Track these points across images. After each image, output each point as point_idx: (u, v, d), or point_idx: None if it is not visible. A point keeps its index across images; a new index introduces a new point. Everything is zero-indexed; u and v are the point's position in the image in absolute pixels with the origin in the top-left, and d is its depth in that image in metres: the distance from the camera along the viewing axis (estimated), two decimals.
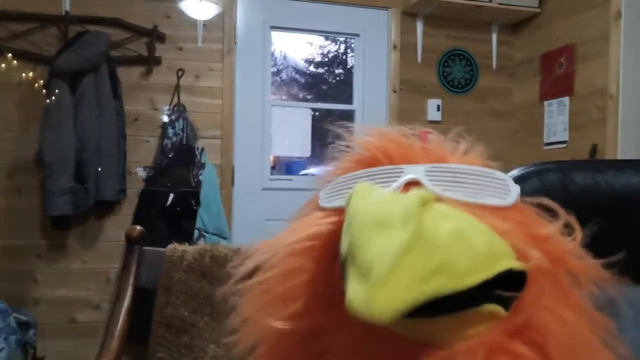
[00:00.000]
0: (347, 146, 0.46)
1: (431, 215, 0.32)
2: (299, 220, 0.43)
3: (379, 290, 0.28)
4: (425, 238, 0.30)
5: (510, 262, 0.34)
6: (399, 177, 0.39)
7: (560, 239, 0.39)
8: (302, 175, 3.21)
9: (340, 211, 0.38)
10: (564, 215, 0.41)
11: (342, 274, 0.32)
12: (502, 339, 0.34)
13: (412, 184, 0.39)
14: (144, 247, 1.14)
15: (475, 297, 0.33)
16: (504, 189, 0.40)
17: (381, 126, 0.46)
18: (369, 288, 0.28)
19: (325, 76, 3.48)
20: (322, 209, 0.41)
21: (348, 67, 3.33)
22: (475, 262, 0.32)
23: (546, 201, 0.42)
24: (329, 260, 0.38)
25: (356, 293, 0.29)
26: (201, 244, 1.25)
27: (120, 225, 2.59)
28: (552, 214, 0.42)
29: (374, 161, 0.43)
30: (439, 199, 0.37)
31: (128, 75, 2.63)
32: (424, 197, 0.32)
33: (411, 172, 0.39)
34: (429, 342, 0.35)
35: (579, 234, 0.41)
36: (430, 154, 0.43)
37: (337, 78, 3.46)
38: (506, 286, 0.34)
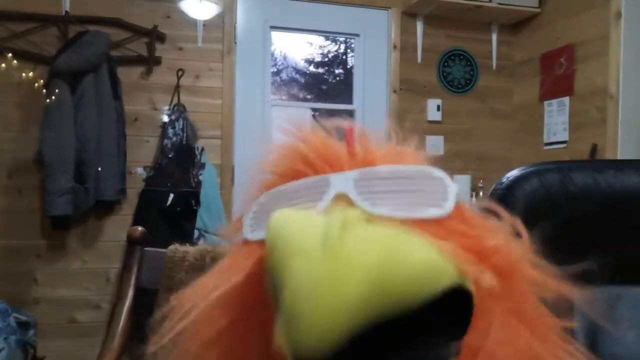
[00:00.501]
0: (266, 158, 0.42)
1: (355, 239, 0.29)
2: (224, 261, 0.38)
3: (302, 332, 0.26)
4: (348, 261, 0.27)
5: (455, 279, 0.30)
6: (325, 190, 0.35)
7: (509, 248, 0.35)
8: None
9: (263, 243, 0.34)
10: (509, 219, 0.37)
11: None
12: None
13: (341, 198, 0.35)
14: (145, 248, 1.14)
15: (422, 344, 0.30)
16: (442, 191, 0.36)
17: (296, 128, 0.41)
18: (293, 330, 0.26)
19: (325, 76, 3.48)
20: (246, 242, 0.37)
21: (348, 67, 3.33)
22: (414, 280, 0.28)
23: (488, 204, 0.39)
24: (259, 307, 0.34)
25: (282, 337, 0.27)
26: (202, 244, 1.25)
27: (120, 225, 2.60)
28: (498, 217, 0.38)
29: (296, 172, 0.38)
30: (369, 219, 0.33)
31: (128, 75, 2.63)
32: (346, 220, 0.29)
33: (338, 184, 0.35)
34: None
35: (525, 239, 0.37)
36: (358, 157, 0.38)
37: (337, 78, 3.46)
38: (452, 316, 0.31)
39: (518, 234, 0.37)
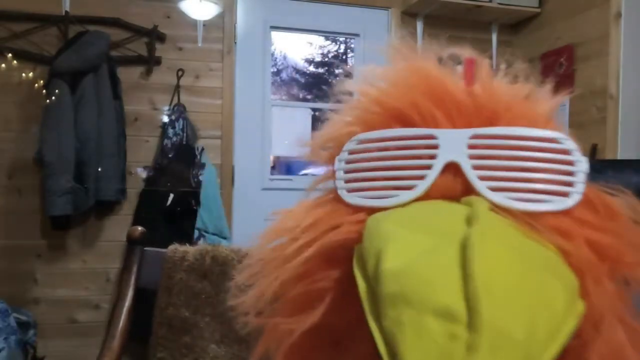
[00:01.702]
0: (359, 97, 0.35)
1: (500, 257, 0.24)
2: (314, 208, 0.34)
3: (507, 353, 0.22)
4: (500, 342, 0.22)
5: (575, 318, 0.26)
6: (433, 152, 0.31)
7: (632, 243, 0.30)
8: (302, 175, 3.21)
9: (367, 210, 0.31)
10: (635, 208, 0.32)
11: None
12: None
13: (451, 168, 0.30)
14: (145, 248, 1.14)
15: None
16: (570, 169, 0.30)
17: (414, 58, 0.35)
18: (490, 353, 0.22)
19: (325, 76, 3.49)
20: (345, 204, 0.32)
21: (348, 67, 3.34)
22: (550, 337, 0.24)
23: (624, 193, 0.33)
24: (343, 272, 0.31)
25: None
26: (202, 244, 1.25)
27: (120, 225, 2.59)
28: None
29: (397, 114, 0.33)
30: (490, 205, 0.29)
31: (128, 75, 2.63)
32: (478, 233, 0.24)
33: (449, 148, 0.30)
34: None
35: None
36: (477, 103, 0.32)
37: (337, 78, 3.47)
38: None
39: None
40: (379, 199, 0.31)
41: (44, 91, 2.39)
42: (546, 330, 0.23)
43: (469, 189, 0.30)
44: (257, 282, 0.34)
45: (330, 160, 0.35)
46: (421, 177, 0.31)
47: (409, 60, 0.35)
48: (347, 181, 0.33)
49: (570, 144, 0.31)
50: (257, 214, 2.87)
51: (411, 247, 0.25)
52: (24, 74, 2.46)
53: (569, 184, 0.30)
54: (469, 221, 0.26)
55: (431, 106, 0.32)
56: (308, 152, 0.38)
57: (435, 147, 0.31)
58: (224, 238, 2.60)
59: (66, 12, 2.54)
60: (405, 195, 0.31)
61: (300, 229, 0.33)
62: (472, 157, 0.30)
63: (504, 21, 3.15)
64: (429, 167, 0.31)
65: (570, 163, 0.31)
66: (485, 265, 0.23)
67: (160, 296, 1.09)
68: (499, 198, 0.29)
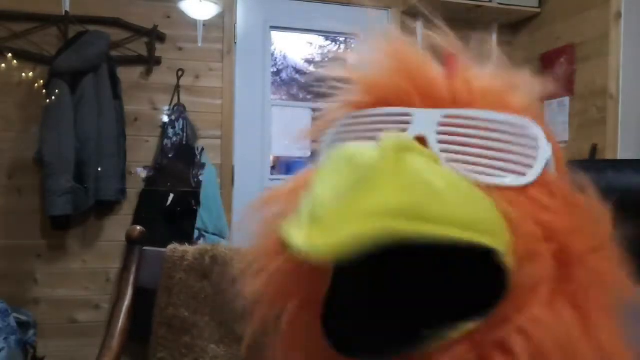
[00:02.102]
0: (348, 79, 0.39)
1: (418, 160, 0.28)
2: (300, 176, 0.38)
3: (318, 222, 0.25)
4: (402, 173, 0.26)
5: (496, 245, 0.28)
6: (406, 127, 0.34)
7: (583, 232, 0.32)
8: None
9: None
10: (595, 200, 0.34)
11: None
12: (474, 351, 0.30)
13: (420, 141, 0.32)
14: (145, 248, 1.14)
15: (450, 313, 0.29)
16: (532, 153, 0.33)
17: (399, 46, 0.38)
18: (310, 225, 0.25)
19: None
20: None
21: None
22: (450, 219, 0.26)
23: (580, 178, 0.35)
24: None
25: (294, 229, 0.25)
26: (202, 244, 1.25)
27: (120, 225, 2.59)
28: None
29: (383, 94, 0.37)
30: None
31: (128, 75, 2.63)
32: (406, 145, 0.28)
33: (420, 124, 0.33)
34: None
35: (605, 228, 0.34)
36: (454, 90, 0.35)
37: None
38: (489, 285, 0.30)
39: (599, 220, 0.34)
40: None
41: (44, 91, 2.39)
42: (446, 204, 0.27)
43: None
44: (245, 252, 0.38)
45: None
46: None
47: (395, 47, 0.38)
48: (329, 145, 0.37)
49: (536, 131, 0.33)
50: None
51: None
52: (24, 74, 2.46)
53: (528, 166, 0.32)
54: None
55: (410, 89, 0.36)
56: (309, 139, 0.42)
57: (408, 122, 0.34)
58: (224, 238, 2.60)
59: (66, 12, 2.54)
60: None
61: (281, 195, 0.37)
62: (440, 133, 0.33)
63: (504, 21, 3.15)
64: None
65: (532, 147, 0.33)
66: (398, 151, 0.27)
67: (159, 296, 1.09)
68: (455, 167, 0.32)
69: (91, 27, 2.54)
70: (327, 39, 3.35)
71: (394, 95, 0.36)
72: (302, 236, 0.25)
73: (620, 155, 2.42)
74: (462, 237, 0.26)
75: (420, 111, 0.34)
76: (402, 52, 0.38)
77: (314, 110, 3.22)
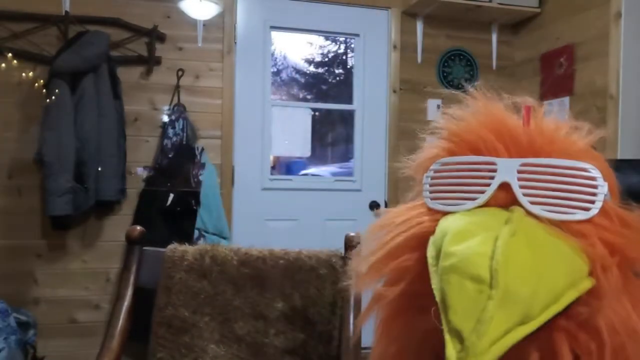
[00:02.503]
0: (444, 130, 0.49)
1: (521, 248, 0.37)
2: (407, 210, 0.49)
3: (470, 356, 0.35)
4: (510, 297, 0.35)
5: (576, 292, 0.39)
6: (492, 174, 0.44)
7: (637, 243, 0.42)
8: (302, 175, 3.21)
9: (443, 213, 0.45)
10: None
11: (438, 312, 0.38)
12: (569, 325, 0.40)
13: (504, 187, 0.43)
14: (145, 247, 1.14)
15: None
16: (593, 191, 0.42)
17: (486, 103, 0.48)
18: (463, 354, 0.35)
19: (325, 76, 3.49)
20: (428, 208, 0.47)
21: (348, 67, 3.33)
22: (550, 301, 0.37)
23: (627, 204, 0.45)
24: (423, 254, 0.44)
25: (452, 355, 0.36)
26: (201, 244, 1.25)
27: (120, 225, 2.60)
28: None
29: (470, 145, 0.46)
30: (527, 212, 0.42)
31: (128, 75, 2.63)
32: (511, 231, 0.38)
33: (503, 172, 0.43)
34: None
35: None
36: (530, 140, 0.45)
37: (337, 78, 3.47)
38: None
39: None
40: (451, 206, 0.45)
41: (44, 91, 2.39)
42: (545, 297, 0.37)
43: (516, 202, 0.42)
44: (365, 258, 0.48)
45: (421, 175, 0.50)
46: (482, 192, 0.44)
47: (483, 103, 0.49)
48: (431, 192, 0.47)
49: (595, 172, 0.43)
50: (257, 213, 2.88)
51: (463, 237, 0.39)
52: (24, 74, 2.46)
53: (591, 202, 0.42)
54: (507, 222, 0.39)
55: (494, 140, 0.45)
56: (410, 171, 0.52)
57: (494, 170, 0.44)
58: (224, 238, 2.60)
59: (66, 12, 2.54)
60: (469, 204, 0.44)
61: (395, 224, 0.48)
62: (520, 179, 0.43)
63: (504, 21, 3.15)
64: (488, 185, 0.44)
65: (594, 186, 0.42)
66: (507, 250, 0.36)
67: (159, 296, 1.09)
68: (536, 209, 0.42)
69: (91, 27, 2.54)
70: (327, 39, 3.35)
71: (482, 145, 0.46)
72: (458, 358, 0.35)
73: (620, 155, 2.42)
74: (567, 300, 0.38)
75: (503, 160, 0.44)
76: (489, 108, 0.48)
77: (314, 110, 3.23)
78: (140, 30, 2.64)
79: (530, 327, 0.36)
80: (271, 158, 2.99)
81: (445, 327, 0.37)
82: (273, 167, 3.03)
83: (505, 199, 0.43)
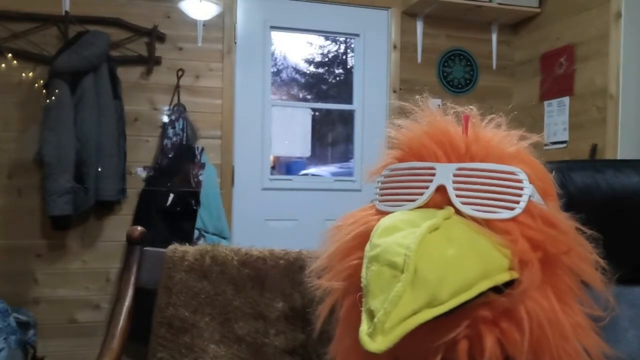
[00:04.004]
0: (395, 139, 0.56)
1: (438, 241, 0.42)
2: (359, 212, 0.55)
3: (377, 332, 0.39)
4: (418, 280, 0.40)
5: (491, 282, 0.43)
6: (431, 178, 0.49)
7: (558, 240, 0.46)
8: (302, 175, 3.21)
9: (384, 214, 0.50)
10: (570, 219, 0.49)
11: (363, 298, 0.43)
12: (492, 315, 0.44)
13: (441, 189, 0.48)
14: (145, 248, 1.14)
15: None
16: (519, 193, 0.46)
17: (432, 114, 0.54)
18: (372, 330, 0.39)
19: (325, 76, 3.49)
20: (376, 209, 0.53)
21: (348, 67, 3.33)
22: (460, 288, 0.41)
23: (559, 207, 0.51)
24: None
25: (364, 330, 0.40)
26: (202, 244, 1.25)
27: (120, 225, 2.60)
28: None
29: (416, 152, 0.52)
30: (457, 212, 0.46)
31: (128, 75, 2.63)
32: (431, 226, 0.42)
33: (441, 176, 0.48)
34: None
35: (577, 237, 0.49)
36: (466, 148, 0.50)
37: (337, 78, 3.47)
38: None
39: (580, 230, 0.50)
40: (394, 207, 0.51)
41: (44, 91, 2.39)
42: (454, 283, 0.40)
43: (451, 203, 0.47)
44: (320, 256, 0.54)
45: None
46: (421, 194, 0.49)
47: (429, 114, 0.55)
48: (380, 195, 0.53)
49: (522, 175, 0.48)
50: (257, 213, 2.88)
51: (390, 231, 0.44)
52: (24, 74, 2.46)
53: (516, 202, 0.47)
54: (432, 219, 0.44)
55: (435, 147, 0.51)
56: (367, 177, 0.57)
57: (433, 175, 0.49)
58: (224, 238, 2.60)
59: (66, 12, 2.54)
60: (410, 205, 0.49)
61: (346, 225, 0.53)
62: (455, 182, 0.48)
63: (504, 21, 3.15)
64: (427, 188, 0.49)
65: (519, 188, 0.47)
66: (423, 241, 0.41)
67: (159, 296, 1.09)
68: (467, 209, 0.47)
69: (91, 27, 2.54)
70: (327, 39, 3.35)
71: (425, 152, 0.51)
72: (370, 344, 0.40)
73: (620, 155, 2.43)
74: (479, 289, 0.42)
75: (441, 165, 0.49)
76: (434, 118, 0.54)
77: (314, 110, 3.23)
78: (140, 30, 2.64)
79: (438, 310, 0.40)
80: (271, 158, 2.99)
81: (363, 309, 0.41)
82: (273, 167, 3.03)
83: (442, 200, 0.48)
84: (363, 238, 0.48)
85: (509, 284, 0.44)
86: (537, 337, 0.44)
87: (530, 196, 0.47)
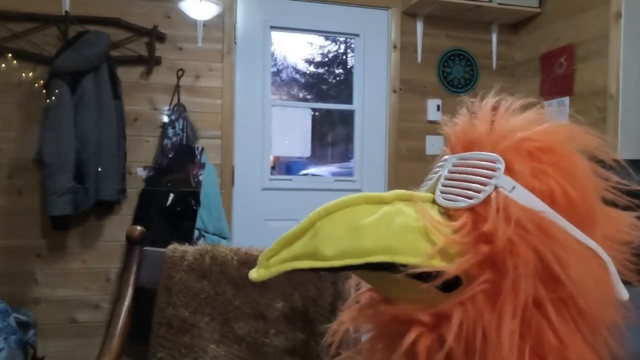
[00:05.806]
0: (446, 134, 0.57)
1: (366, 210, 0.45)
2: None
3: (262, 265, 0.46)
4: (314, 234, 0.44)
5: (387, 258, 0.43)
6: (439, 168, 0.52)
7: (499, 233, 0.43)
8: (302, 175, 3.21)
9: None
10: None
11: None
12: (430, 320, 0.45)
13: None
14: (145, 248, 1.14)
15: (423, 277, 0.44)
16: (483, 183, 0.45)
17: (462, 115, 0.55)
18: (259, 262, 0.46)
19: (325, 76, 3.48)
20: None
21: (348, 67, 3.33)
22: (344, 252, 0.43)
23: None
24: None
25: (254, 269, 0.47)
26: (201, 244, 1.25)
27: (120, 225, 2.60)
28: None
29: (450, 147, 0.54)
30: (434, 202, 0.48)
31: (128, 75, 2.63)
32: (376, 197, 0.46)
33: (446, 165, 0.50)
34: (384, 294, 0.50)
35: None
36: (479, 139, 0.50)
37: (337, 78, 3.46)
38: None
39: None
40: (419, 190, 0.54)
41: (44, 91, 2.39)
42: (340, 246, 0.43)
43: None
44: None
45: None
46: (430, 180, 0.53)
47: (462, 118, 0.55)
48: (423, 185, 0.55)
49: (499, 165, 0.45)
50: (257, 213, 2.88)
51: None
52: (24, 74, 2.46)
53: (478, 192, 0.45)
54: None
55: (458, 139, 0.52)
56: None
57: (442, 165, 0.52)
58: (224, 238, 2.60)
59: (66, 12, 2.54)
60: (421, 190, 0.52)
61: None
62: (450, 171, 0.49)
63: (504, 21, 3.15)
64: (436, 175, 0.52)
65: (487, 177, 0.45)
66: (343, 207, 0.45)
67: (159, 296, 1.09)
68: (437, 197, 0.48)
69: (91, 27, 2.54)
70: (327, 39, 3.35)
71: (453, 144, 0.53)
72: (255, 272, 0.46)
73: (620, 155, 2.42)
74: (371, 260, 0.43)
75: (450, 156, 0.51)
76: (462, 119, 0.54)
77: (314, 110, 3.22)
78: (140, 30, 2.64)
79: (317, 264, 0.43)
80: (271, 158, 2.98)
81: None
82: (273, 167, 3.03)
83: None
84: None
85: (435, 274, 0.43)
86: (466, 337, 0.43)
87: (498, 187, 0.44)
